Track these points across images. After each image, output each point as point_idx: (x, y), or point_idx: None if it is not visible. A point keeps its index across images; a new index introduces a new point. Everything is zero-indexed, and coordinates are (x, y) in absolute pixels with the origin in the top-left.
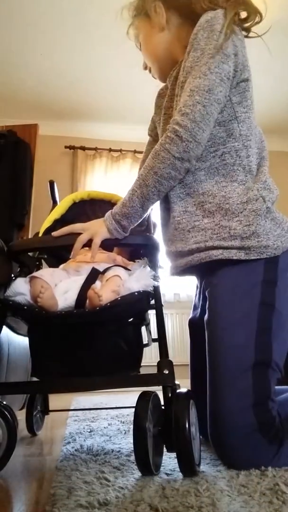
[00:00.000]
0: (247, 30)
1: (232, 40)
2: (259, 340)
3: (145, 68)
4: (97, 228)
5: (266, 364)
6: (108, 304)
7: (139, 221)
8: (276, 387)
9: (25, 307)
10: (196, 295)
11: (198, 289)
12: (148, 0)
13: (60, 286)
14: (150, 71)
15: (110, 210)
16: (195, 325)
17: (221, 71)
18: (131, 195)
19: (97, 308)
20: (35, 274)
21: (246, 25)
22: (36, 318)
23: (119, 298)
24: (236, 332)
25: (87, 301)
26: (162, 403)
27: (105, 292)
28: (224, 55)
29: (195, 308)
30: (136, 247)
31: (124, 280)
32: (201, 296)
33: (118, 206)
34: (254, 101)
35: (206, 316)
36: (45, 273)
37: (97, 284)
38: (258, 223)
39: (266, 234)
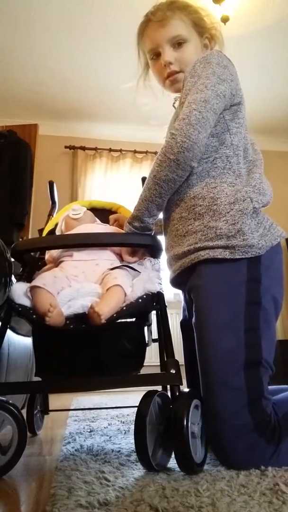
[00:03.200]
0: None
1: (228, 68)
2: (248, 340)
3: (165, 65)
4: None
5: (257, 363)
6: (114, 315)
7: (150, 221)
8: (272, 386)
9: (34, 316)
10: (182, 297)
11: (183, 294)
12: (210, 16)
13: (63, 294)
14: (169, 70)
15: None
16: (185, 327)
17: (217, 89)
18: (139, 199)
19: (101, 323)
20: (37, 283)
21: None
22: (43, 326)
23: (124, 308)
24: (225, 334)
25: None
26: None
27: (105, 308)
28: (220, 79)
29: (184, 310)
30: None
31: (125, 288)
32: (187, 298)
33: (133, 209)
34: (246, 125)
35: (193, 319)
36: (47, 281)
37: (97, 291)
38: (243, 222)
39: (251, 233)
